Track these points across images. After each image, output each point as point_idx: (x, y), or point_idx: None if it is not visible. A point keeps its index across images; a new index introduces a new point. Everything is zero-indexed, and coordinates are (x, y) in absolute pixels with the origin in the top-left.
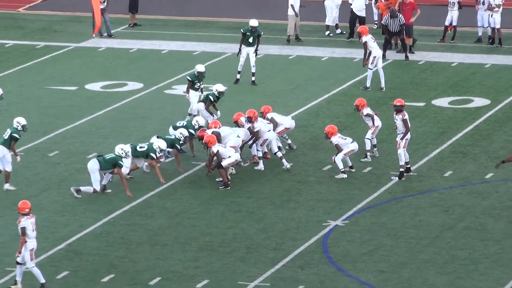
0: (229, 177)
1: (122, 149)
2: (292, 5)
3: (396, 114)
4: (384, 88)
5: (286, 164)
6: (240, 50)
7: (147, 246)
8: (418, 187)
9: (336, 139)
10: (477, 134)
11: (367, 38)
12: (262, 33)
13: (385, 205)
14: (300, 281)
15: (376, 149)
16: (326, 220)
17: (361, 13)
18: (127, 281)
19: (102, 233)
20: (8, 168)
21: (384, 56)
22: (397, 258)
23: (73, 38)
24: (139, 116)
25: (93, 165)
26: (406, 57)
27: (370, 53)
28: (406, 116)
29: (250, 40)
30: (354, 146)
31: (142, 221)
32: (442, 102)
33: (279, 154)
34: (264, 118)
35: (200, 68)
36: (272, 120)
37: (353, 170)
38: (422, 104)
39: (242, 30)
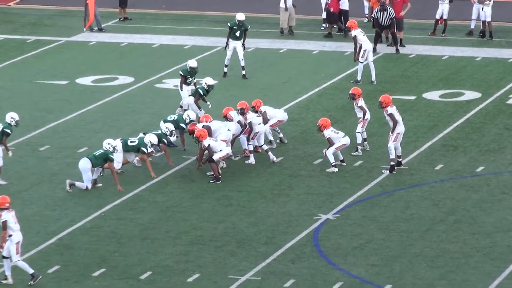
0: (220, 171)
1: (109, 144)
2: None
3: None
4: (375, 82)
5: (273, 157)
6: (227, 44)
7: (138, 240)
8: (409, 181)
9: (329, 132)
10: (468, 127)
11: (357, 32)
12: (249, 26)
13: (376, 198)
14: (291, 275)
15: (366, 142)
16: (317, 214)
17: (343, 6)
18: (118, 275)
19: (93, 228)
20: None
21: (374, 49)
22: (388, 251)
23: (63, 32)
24: (130, 110)
25: (84, 164)
26: (397, 50)
27: (360, 46)
28: (391, 111)
29: (237, 34)
30: (346, 140)
31: (133, 215)
32: (433, 95)
33: (265, 147)
34: (256, 112)
35: (192, 63)
36: (263, 114)
37: (344, 164)
38: (413, 97)
39: (229, 24)
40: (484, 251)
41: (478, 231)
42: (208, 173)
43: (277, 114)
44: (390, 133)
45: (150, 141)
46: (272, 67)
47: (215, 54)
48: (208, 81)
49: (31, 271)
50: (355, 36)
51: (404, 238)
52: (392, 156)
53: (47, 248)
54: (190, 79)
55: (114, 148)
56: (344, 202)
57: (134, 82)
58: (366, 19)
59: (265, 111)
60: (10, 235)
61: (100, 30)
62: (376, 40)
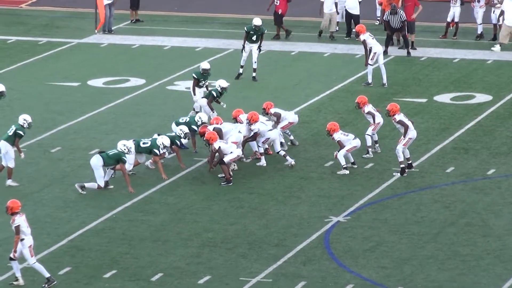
0: (231, 173)
1: (124, 145)
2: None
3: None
4: (386, 84)
5: (291, 161)
6: (243, 47)
7: (149, 242)
8: (420, 183)
9: (338, 135)
10: (479, 130)
11: (365, 36)
12: (265, 30)
13: (387, 201)
14: (302, 277)
15: (377, 145)
16: (328, 216)
17: (354, 11)
18: (129, 277)
19: (104, 229)
20: (11, 164)
21: (386, 52)
22: (399, 254)
23: (75, 34)
24: (141, 112)
25: (96, 161)
26: (408, 53)
27: (370, 50)
28: (399, 118)
29: (254, 38)
30: (357, 142)
31: (144, 217)
32: (444, 98)
33: (282, 152)
34: (267, 114)
35: (205, 65)
36: (275, 114)
37: (355, 166)
38: (424, 100)
39: (245, 29)
40: (495, 253)
41: (489, 234)
42: (219, 175)
43: (288, 116)
44: (402, 137)
45: (162, 143)
46: (283, 69)
47: (227, 56)
48: (221, 83)
49: (47, 274)
50: (364, 40)
51: (415, 240)
52: (401, 159)
53: (58, 250)
54: (203, 81)
55: (129, 149)
56: (355, 205)
57: (146, 84)
58: (378, 21)
59: (275, 112)
60: (22, 239)
61: (110, 32)
62: (388, 43)
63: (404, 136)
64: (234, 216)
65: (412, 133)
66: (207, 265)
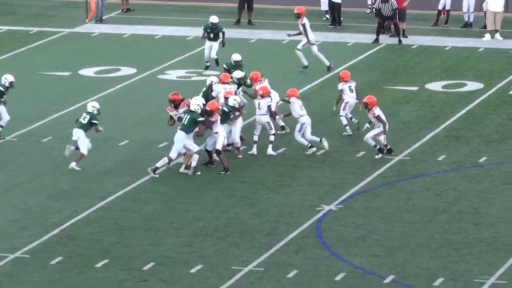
0: (226, 163)
1: (197, 105)
2: None
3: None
4: (332, 65)
5: (254, 151)
6: (203, 36)
7: (140, 232)
8: (412, 171)
9: (379, 111)
10: (471, 118)
11: (305, 21)
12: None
13: (378, 189)
14: (294, 266)
15: (354, 123)
16: (319, 205)
17: None
18: (121, 266)
19: (96, 219)
20: (84, 151)
21: (377, 40)
22: (390, 242)
23: (66, 23)
24: (133, 101)
25: (180, 135)
26: (399, 41)
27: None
28: (378, 113)
29: (211, 36)
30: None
31: (135, 206)
32: (436, 86)
33: (256, 138)
34: (251, 85)
35: (236, 57)
36: (257, 90)
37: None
38: (415, 88)
39: (203, 27)
40: (486, 241)
41: (481, 222)
42: (206, 163)
43: (274, 97)
44: (381, 132)
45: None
46: (274, 58)
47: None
48: (237, 74)
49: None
50: (304, 24)
51: (406, 228)
52: (373, 144)
53: (50, 240)
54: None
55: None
56: (346, 193)
57: (137, 73)
58: (369, 9)
59: (264, 87)
60: None
61: (100, 21)
62: (379, 31)
63: (385, 133)
64: (226, 205)
65: (387, 126)
66: (199, 254)
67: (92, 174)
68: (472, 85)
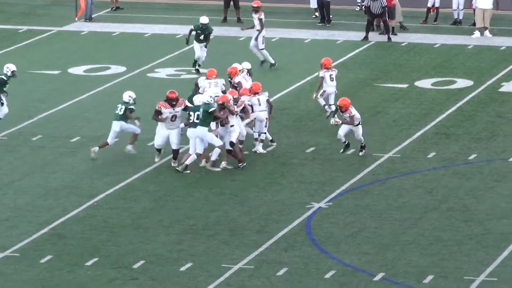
0: (242, 155)
1: (211, 97)
2: None
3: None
4: (275, 63)
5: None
6: (187, 40)
7: (130, 230)
8: (402, 169)
9: (354, 111)
10: (460, 115)
11: (262, 16)
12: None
13: (368, 186)
14: (283, 264)
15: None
16: (309, 202)
17: None
18: (110, 264)
19: (86, 217)
20: (137, 131)
21: (367, 38)
22: (380, 239)
23: (56, 22)
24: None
25: (201, 131)
26: (389, 38)
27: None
28: (354, 112)
29: (201, 37)
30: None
31: (125, 205)
32: (425, 83)
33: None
34: (231, 80)
35: (203, 20)
36: (239, 84)
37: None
38: (405, 85)
39: (192, 27)
40: (477, 238)
41: (471, 219)
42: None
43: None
44: (349, 125)
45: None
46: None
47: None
48: (202, 20)
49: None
50: (261, 18)
51: (396, 226)
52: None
53: (40, 238)
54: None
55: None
56: (336, 191)
57: (126, 71)
58: (358, 7)
59: (239, 81)
60: None
61: (90, 19)
62: (368, 28)
63: (356, 127)
64: (216, 203)
65: (327, 86)
66: (188, 252)
67: (81, 172)
68: (461, 83)
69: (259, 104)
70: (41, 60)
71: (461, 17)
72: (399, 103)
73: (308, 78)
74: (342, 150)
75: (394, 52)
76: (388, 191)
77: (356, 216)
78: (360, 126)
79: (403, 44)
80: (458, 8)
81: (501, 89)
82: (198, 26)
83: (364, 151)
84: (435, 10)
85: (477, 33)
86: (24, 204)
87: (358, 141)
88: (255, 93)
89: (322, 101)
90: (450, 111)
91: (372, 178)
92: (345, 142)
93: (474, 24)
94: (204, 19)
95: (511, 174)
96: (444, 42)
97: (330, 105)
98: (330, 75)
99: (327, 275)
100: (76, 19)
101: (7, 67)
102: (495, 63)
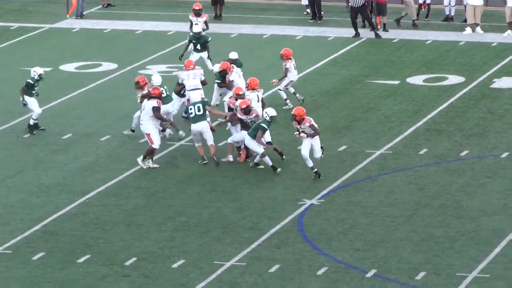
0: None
1: (34, 71)
2: None
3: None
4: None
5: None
6: (182, 55)
7: (122, 227)
8: (393, 165)
9: (311, 120)
10: (452, 111)
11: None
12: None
13: (360, 183)
14: (276, 260)
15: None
16: (301, 199)
17: None
18: (103, 261)
19: (78, 214)
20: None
21: (358, 34)
22: (372, 236)
23: (47, 19)
24: (114, 97)
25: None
26: (376, 35)
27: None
28: (312, 122)
29: (198, 47)
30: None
31: (117, 202)
32: (417, 80)
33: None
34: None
35: (233, 55)
36: (232, 82)
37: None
38: (396, 82)
39: (188, 37)
40: (469, 235)
41: (463, 215)
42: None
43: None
44: (308, 137)
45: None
46: (255, 52)
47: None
48: (270, 111)
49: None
50: (207, 21)
51: (388, 222)
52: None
53: (32, 235)
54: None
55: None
56: (328, 187)
57: (118, 68)
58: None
59: (232, 80)
60: None
61: (81, 16)
62: (355, 24)
63: (313, 138)
64: (208, 200)
65: (292, 76)
66: (181, 249)
67: (73, 169)
68: (453, 79)
69: (258, 101)
70: (32, 57)
71: (452, 14)
72: (390, 100)
73: (300, 75)
74: (313, 177)
75: (385, 48)
76: (380, 188)
77: (348, 213)
78: (317, 138)
79: (395, 41)
80: (449, 4)
81: (493, 85)
82: (192, 36)
83: (319, 177)
84: (427, 7)
85: (468, 30)
86: (16, 201)
87: (316, 161)
88: (253, 89)
89: (284, 94)
90: (441, 107)
91: (364, 174)
92: (314, 169)
93: (465, 21)
94: (196, 28)
95: (502, 170)
96: (436, 39)
97: (295, 93)
98: (294, 64)
99: (319, 272)
100: (68, 16)
101: (34, 71)
102: (487, 59)
